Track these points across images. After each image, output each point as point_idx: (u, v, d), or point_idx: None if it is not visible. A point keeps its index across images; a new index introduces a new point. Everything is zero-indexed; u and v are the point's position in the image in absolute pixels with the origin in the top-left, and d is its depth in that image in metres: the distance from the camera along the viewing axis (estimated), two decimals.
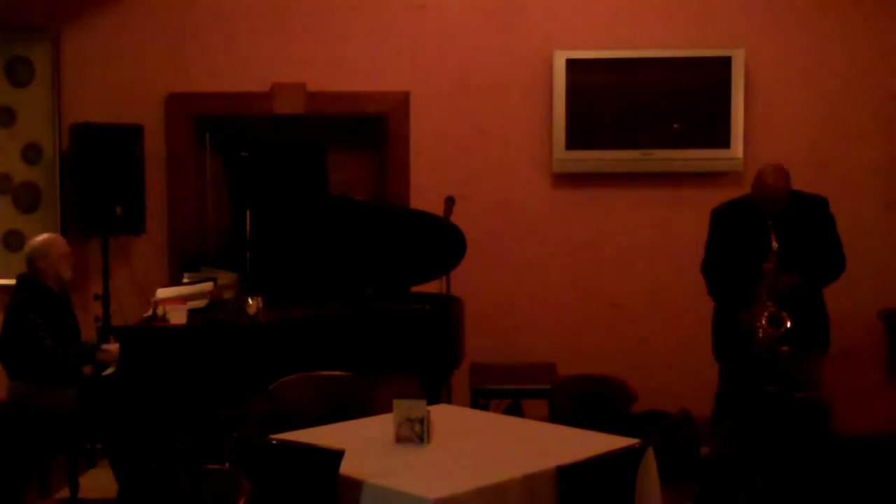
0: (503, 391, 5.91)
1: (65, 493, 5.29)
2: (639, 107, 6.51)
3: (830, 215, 5.08)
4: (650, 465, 3.56)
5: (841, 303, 6.45)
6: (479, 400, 5.84)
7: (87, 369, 5.15)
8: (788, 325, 4.83)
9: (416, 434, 3.61)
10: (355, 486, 3.19)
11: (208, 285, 5.67)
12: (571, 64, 6.48)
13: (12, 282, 5.35)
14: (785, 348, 4.90)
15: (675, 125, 6.50)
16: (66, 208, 6.58)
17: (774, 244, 4.81)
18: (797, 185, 5.99)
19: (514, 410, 5.93)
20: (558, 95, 6.49)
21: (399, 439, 3.63)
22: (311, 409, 4.18)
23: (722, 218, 5.18)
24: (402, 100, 6.64)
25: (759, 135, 6.53)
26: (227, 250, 6.73)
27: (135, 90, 6.62)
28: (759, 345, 4.87)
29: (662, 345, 6.27)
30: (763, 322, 4.86)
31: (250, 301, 5.29)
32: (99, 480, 5.58)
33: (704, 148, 6.48)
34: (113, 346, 5.24)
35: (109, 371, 5.07)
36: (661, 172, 6.53)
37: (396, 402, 3.66)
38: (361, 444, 3.58)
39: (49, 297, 5.16)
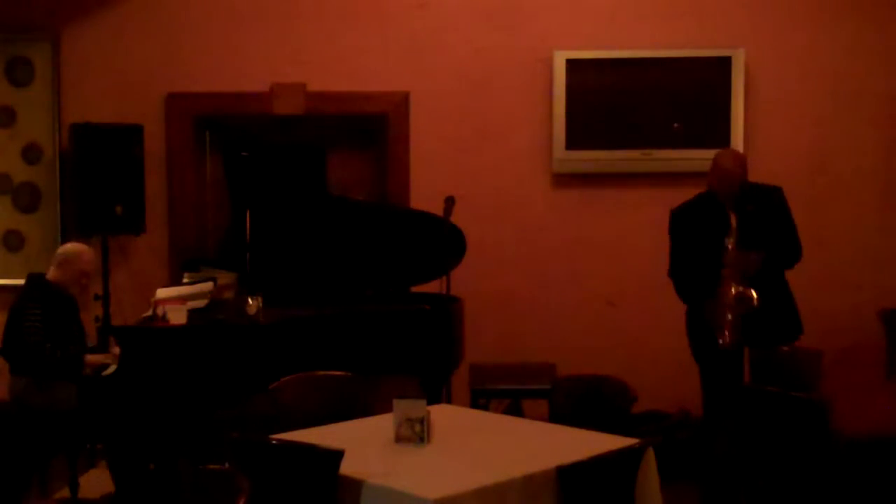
0: (503, 391, 5.91)
1: (65, 493, 5.30)
2: (639, 107, 6.51)
3: (786, 203, 5.06)
4: (650, 465, 3.56)
5: (841, 303, 6.48)
6: (479, 400, 5.85)
7: (87, 371, 5.14)
8: (755, 304, 4.78)
9: (416, 434, 3.60)
10: (355, 486, 3.19)
11: (208, 285, 5.66)
12: (571, 64, 6.48)
13: (12, 282, 5.37)
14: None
15: (675, 125, 6.50)
16: (66, 208, 6.58)
17: (734, 223, 4.79)
18: (797, 185, 6.00)
19: (514, 410, 5.93)
20: (558, 95, 6.49)
21: (399, 439, 3.62)
22: (311, 409, 4.18)
23: (682, 218, 5.16)
24: (402, 100, 6.64)
25: (759, 135, 6.53)
26: (227, 250, 6.73)
27: (135, 90, 6.62)
28: (728, 331, 4.84)
29: (662, 345, 6.26)
30: (732, 302, 4.82)
31: (250, 301, 5.29)
32: (99, 480, 5.57)
33: (704, 148, 6.45)
34: (95, 357, 5.23)
35: (109, 371, 5.07)
36: (661, 172, 6.53)
37: (396, 402, 3.66)
38: (361, 444, 3.57)
39: (58, 296, 5.20)
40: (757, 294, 4.80)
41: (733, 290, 4.83)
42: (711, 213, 4.97)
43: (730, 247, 4.84)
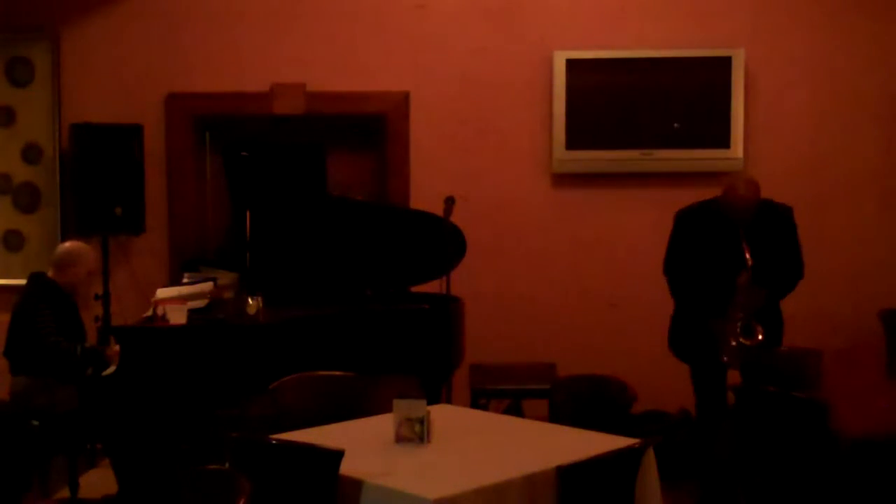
0: (503, 391, 5.91)
1: (65, 493, 5.29)
2: (639, 107, 6.51)
3: (794, 224, 5.07)
4: (650, 465, 3.56)
5: (841, 303, 6.48)
6: (479, 400, 5.85)
7: (89, 370, 5.14)
8: (761, 337, 4.85)
9: (416, 434, 3.61)
10: (355, 486, 3.19)
11: (208, 285, 5.66)
12: (571, 64, 6.48)
13: (12, 282, 5.36)
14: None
15: (675, 125, 6.50)
16: (66, 208, 6.58)
17: (750, 260, 4.80)
18: (797, 185, 6.00)
19: (514, 410, 5.93)
20: (558, 95, 6.49)
21: (399, 439, 3.63)
22: (311, 409, 4.18)
23: (688, 221, 5.14)
24: (402, 100, 6.64)
25: (759, 135, 6.53)
26: (227, 250, 6.73)
27: (135, 90, 6.62)
28: (730, 354, 4.90)
29: (662, 345, 6.26)
30: (738, 331, 4.87)
31: (250, 301, 5.29)
32: (99, 480, 5.58)
33: (704, 148, 6.48)
34: (115, 349, 5.24)
35: (109, 371, 5.07)
36: (661, 172, 6.53)
37: (396, 402, 3.66)
38: (361, 444, 3.58)
39: (61, 295, 5.20)
40: (763, 330, 4.85)
41: (741, 322, 4.87)
42: (721, 227, 4.94)
43: (744, 280, 4.84)
